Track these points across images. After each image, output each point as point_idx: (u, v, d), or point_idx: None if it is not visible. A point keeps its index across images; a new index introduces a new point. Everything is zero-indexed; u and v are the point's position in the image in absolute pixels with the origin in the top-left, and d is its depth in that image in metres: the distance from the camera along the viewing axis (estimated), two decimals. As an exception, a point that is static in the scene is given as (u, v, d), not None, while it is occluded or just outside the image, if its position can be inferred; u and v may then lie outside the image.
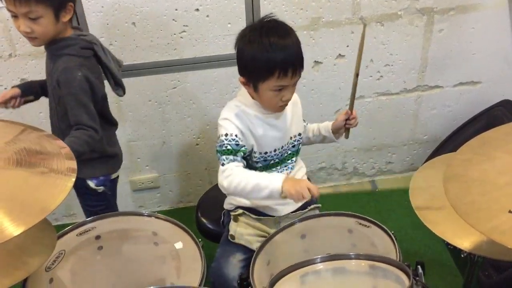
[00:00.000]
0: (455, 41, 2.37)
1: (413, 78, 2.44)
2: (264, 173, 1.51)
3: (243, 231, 1.62)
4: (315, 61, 2.31)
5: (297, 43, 1.45)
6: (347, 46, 2.30)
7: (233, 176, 1.44)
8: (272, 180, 1.41)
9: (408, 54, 2.37)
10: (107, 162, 1.82)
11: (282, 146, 1.60)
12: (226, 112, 1.53)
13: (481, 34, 2.36)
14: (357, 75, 1.53)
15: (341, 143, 2.55)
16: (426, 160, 2.43)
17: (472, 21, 2.33)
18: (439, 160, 1.60)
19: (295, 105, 1.63)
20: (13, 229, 0.88)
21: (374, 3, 2.21)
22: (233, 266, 1.57)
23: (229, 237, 1.62)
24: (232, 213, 1.66)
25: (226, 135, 1.49)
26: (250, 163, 1.58)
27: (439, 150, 2.53)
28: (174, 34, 2.14)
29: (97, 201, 1.86)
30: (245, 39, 1.45)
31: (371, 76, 2.39)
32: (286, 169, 1.64)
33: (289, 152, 1.64)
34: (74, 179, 0.99)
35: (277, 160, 1.61)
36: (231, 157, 1.47)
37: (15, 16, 1.53)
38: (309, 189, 1.37)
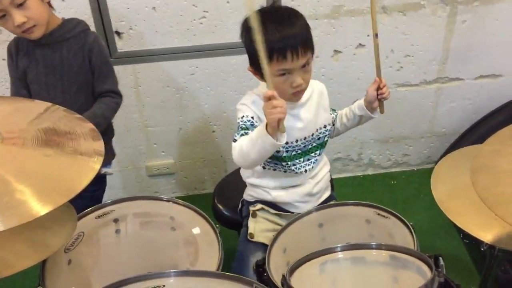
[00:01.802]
0: (478, 33, 2.33)
1: (434, 69, 2.41)
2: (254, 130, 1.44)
3: (261, 226, 1.60)
4: (334, 50, 2.29)
5: (300, 25, 1.41)
6: (368, 35, 2.27)
7: (237, 146, 1.42)
8: (258, 129, 1.37)
9: (429, 45, 2.33)
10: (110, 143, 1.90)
11: (305, 137, 1.56)
12: (244, 99, 1.53)
13: (505, 26, 2.32)
14: (376, 35, 1.48)
15: (358, 133, 2.54)
16: (445, 153, 2.41)
17: (496, 13, 2.28)
18: (461, 152, 1.58)
19: (320, 95, 1.59)
20: (40, 209, 0.88)
21: (396, -8, 2.18)
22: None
23: (248, 237, 1.60)
24: (251, 208, 1.64)
25: (242, 117, 1.48)
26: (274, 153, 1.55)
27: (458, 143, 2.50)
28: (194, 20, 2.13)
29: (100, 184, 1.91)
30: (245, 26, 1.43)
31: (391, 67, 2.36)
32: (309, 163, 1.60)
33: (314, 144, 1.60)
34: (101, 161, 0.99)
35: (299, 152, 1.57)
36: (242, 132, 1.45)
37: (2, 16, 1.53)
38: (274, 106, 1.28)
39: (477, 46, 2.36)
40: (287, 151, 1.55)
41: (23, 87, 1.71)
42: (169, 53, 2.18)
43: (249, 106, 1.49)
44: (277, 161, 1.56)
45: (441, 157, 2.09)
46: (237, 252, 1.62)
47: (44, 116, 1.11)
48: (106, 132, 1.73)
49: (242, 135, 1.45)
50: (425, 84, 2.46)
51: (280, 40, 1.36)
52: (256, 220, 1.62)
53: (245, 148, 1.40)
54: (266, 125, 1.31)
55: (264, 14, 1.39)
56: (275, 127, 1.30)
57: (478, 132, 2.45)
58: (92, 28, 1.88)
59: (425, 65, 2.39)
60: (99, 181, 1.90)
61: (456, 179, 1.40)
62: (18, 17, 1.52)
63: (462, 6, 2.25)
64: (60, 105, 1.66)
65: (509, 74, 2.46)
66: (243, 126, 1.47)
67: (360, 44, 2.29)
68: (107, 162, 1.86)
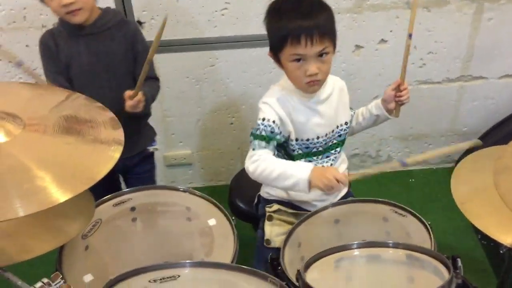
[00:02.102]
0: (504, 31, 2.28)
1: (457, 67, 2.37)
2: (291, 162, 1.49)
3: (278, 230, 1.59)
4: (356, 45, 2.26)
5: (320, 14, 1.37)
6: (391, 31, 2.24)
7: (260, 161, 1.43)
8: (300, 169, 1.39)
9: (453, 42, 2.29)
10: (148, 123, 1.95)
11: (326, 134, 1.54)
12: (267, 96, 1.50)
13: (532, 25, 2.27)
14: (410, 35, 1.45)
15: (377, 130, 2.51)
16: (465, 153, 2.37)
17: (524, 11, 2.23)
18: (483, 153, 1.55)
19: (341, 91, 1.58)
20: (59, 196, 0.89)
21: (422, -12, 2.15)
22: None
23: (265, 243, 1.59)
24: (267, 209, 1.62)
25: (264, 119, 1.46)
26: (287, 151, 1.55)
27: (478, 143, 2.46)
28: (216, 11, 2.12)
29: (152, 163, 2.00)
30: (268, 10, 1.44)
31: (413, 63, 2.33)
32: (328, 160, 1.59)
33: (334, 141, 1.59)
34: (121, 150, 1.00)
35: (320, 149, 1.56)
36: (263, 143, 1.45)
37: None
38: (337, 180, 1.35)
39: (502, 44, 2.31)
40: (307, 148, 1.54)
41: (64, 80, 1.70)
42: (190, 43, 2.18)
43: (272, 106, 1.47)
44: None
45: (461, 156, 2.06)
46: (254, 260, 1.62)
47: (65, 104, 1.12)
48: (147, 113, 1.78)
49: (262, 147, 1.44)
50: (448, 82, 2.42)
51: (295, 24, 1.35)
52: (272, 223, 1.60)
53: (268, 172, 1.42)
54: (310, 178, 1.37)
55: (282, 4, 1.40)
56: (319, 189, 1.38)
57: (500, 132, 2.41)
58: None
59: (448, 62, 2.35)
60: (150, 160, 1.98)
61: (477, 180, 1.38)
62: None
63: (489, 4, 2.20)
64: (105, 96, 1.63)
65: (534, 74, 2.41)
66: (264, 135, 1.45)
67: (382, 39, 2.26)
68: (151, 140, 1.93)
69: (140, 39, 1.74)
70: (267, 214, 1.61)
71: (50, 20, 2.06)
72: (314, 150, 1.56)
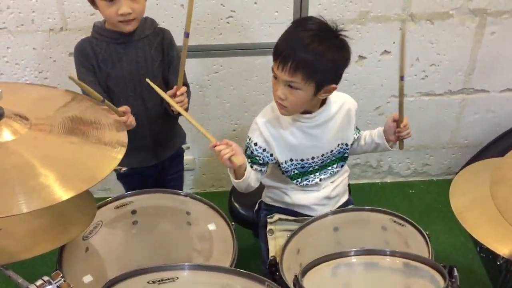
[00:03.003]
0: (506, 45, 2.29)
1: (459, 80, 2.38)
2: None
3: (281, 242, 1.56)
4: (359, 55, 2.28)
5: (315, 52, 1.33)
6: (394, 42, 2.26)
7: None
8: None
9: (456, 55, 2.31)
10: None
11: (323, 154, 1.56)
12: (259, 116, 1.54)
13: (534, 40, 2.29)
14: (402, 78, 1.44)
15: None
16: (465, 165, 2.38)
17: (526, 26, 2.25)
18: (482, 164, 1.57)
19: (348, 112, 1.55)
20: (62, 194, 0.91)
21: (425, 0, 2.16)
22: None
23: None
24: (268, 220, 1.63)
25: (250, 138, 1.54)
26: (283, 173, 1.57)
27: (479, 156, 2.47)
28: (221, 19, 2.15)
29: (182, 163, 2.06)
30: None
31: (415, 75, 2.35)
32: (325, 173, 1.59)
33: (333, 158, 1.59)
34: (124, 151, 1.01)
35: (316, 167, 1.58)
36: (248, 160, 1.53)
37: (111, 0, 1.55)
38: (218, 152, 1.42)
39: (504, 58, 2.33)
40: (302, 167, 1.56)
41: (102, 91, 1.67)
42: (194, 50, 2.20)
43: (260, 128, 1.51)
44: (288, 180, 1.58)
45: (462, 168, 2.07)
46: (262, 271, 1.61)
47: (71, 105, 1.14)
48: (177, 115, 1.79)
49: (248, 162, 1.52)
50: (450, 94, 2.43)
51: (286, 42, 1.37)
52: (274, 237, 1.61)
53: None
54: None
55: (298, 24, 1.41)
56: (231, 167, 1.44)
57: (501, 145, 2.42)
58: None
59: (450, 75, 2.37)
60: (181, 160, 2.04)
61: (476, 191, 1.39)
62: (126, 7, 1.55)
63: (492, 18, 2.22)
64: (144, 102, 1.72)
65: (536, 88, 2.43)
66: (247, 152, 1.55)
67: (385, 50, 2.28)
68: (184, 137, 1.98)
69: (175, 46, 1.76)
70: (268, 227, 1.63)
71: (58, 24, 2.10)
72: (311, 169, 1.57)
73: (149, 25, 1.72)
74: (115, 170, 1.84)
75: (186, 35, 1.52)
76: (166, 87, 1.75)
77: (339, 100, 1.54)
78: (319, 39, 1.34)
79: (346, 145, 1.58)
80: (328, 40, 1.36)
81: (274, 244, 1.60)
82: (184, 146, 2.02)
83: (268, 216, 1.64)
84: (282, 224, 1.62)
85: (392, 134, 1.55)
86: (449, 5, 2.18)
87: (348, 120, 1.56)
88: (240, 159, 1.43)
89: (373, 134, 1.62)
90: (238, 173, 1.48)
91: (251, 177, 1.51)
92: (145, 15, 1.70)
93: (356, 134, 1.62)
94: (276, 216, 1.63)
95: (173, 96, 1.60)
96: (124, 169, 1.86)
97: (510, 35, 2.27)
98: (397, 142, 1.58)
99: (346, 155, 1.61)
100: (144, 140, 1.79)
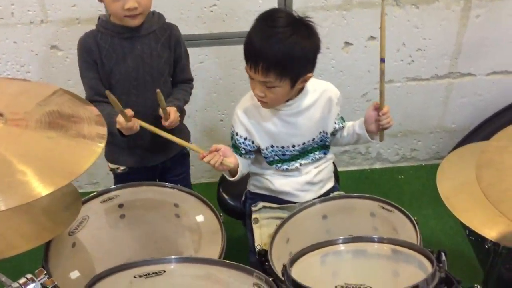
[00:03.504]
0: (492, 28, 2.29)
1: (445, 64, 2.38)
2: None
3: (267, 231, 1.58)
4: (345, 42, 2.27)
5: (290, 46, 1.33)
6: (379, 28, 2.24)
7: None
8: None
9: (441, 39, 2.30)
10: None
11: (304, 143, 1.56)
12: (239, 106, 1.55)
13: (520, 22, 2.28)
14: (382, 60, 1.42)
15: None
16: (453, 149, 2.39)
17: (511, 8, 2.24)
18: (468, 148, 1.57)
19: (329, 101, 1.54)
20: (42, 189, 0.89)
21: (410, -15, 2.15)
22: None
23: (257, 249, 1.54)
24: (252, 208, 1.63)
25: (236, 134, 1.55)
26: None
27: (467, 140, 2.48)
28: (205, 7, 2.12)
29: (188, 163, 1.98)
30: (256, 19, 1.44)
31: (402, 60, 2.34)
32: (307, 158, 1.59)
33: (315, 146, 1.59)
34: (103, 145, 1.00)
35: (297, 153, 1.57)
36: (235, 150, 1.56)
37: None
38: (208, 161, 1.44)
39: (490, 41, 2.33)
40: (283, 155, 1.56)
41: (104, 87, 1.60)
42: (178, 40, 2.18)
43: (240, 118, 1.53)
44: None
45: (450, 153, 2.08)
46: (249, 259, 1.63)
47: (51, 99, 1.11)
48: (182, 114, 1.74)
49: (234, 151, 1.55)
50: (436, 78, 2.43)
51: (254, 47, 1.36)
52: (259, 225, 1.61)
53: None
54: None
55: (262, 20, 1.40)
56: (223, 170, 1.49)
57: (488, 128, 2.43)
58: (102, 12, 1.87)
59: (436, 59, 2.36)
60: (187, 160, 1.97)
61: (462, 175, 1.39)
62: (132, 1, 1.50)
63: (477, 1, 2.21)
64: (148, 99, 1.66)
65: (522, 70, 2.43)
66: (232, 142, 1.57)
67: (371, 36, 2.27)
68: (188, 136, 1.90)
69: (182, 42, 1.72)
70: (253, 216, 1.62)
71: (38, 16, 2.06)
72: (291, 156, 1.57)
73: (156, 19, 1.66)
74: (112, 170, 1.82)
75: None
76: (173, 83, 1.75)
77: (320, 88, 1.53)
78: (287, 34, 1.34)
79: (326, 133, 1.58)
80: (295, 32, 1.35)
81: (259, 232, 1.60)
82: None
83: (252, 205, 1.64)
84: (266, 212, 1.62)
85: (372, 123, 1.52)
86: (434, -12, 2.17)
87: (329, 109, 1.55)
88: (231, 160, 1.47)
89: (355, 125, 1.60)
90: (232, 172, 1.52)
91: (243, 166, 1.54)
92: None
93: (340, 124, 1.60)
94: (260, 204, 1.62)
95: (166, 119, 1.61)
96: (122, 168, 1.80)
97: (495, 17, 2.27)
98: (378, 134, 1.55)
99: (327, 143, 1.60)
100: (144, 140, 1.72)
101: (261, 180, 1.63)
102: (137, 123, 1.54)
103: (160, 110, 1.59)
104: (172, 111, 1.62)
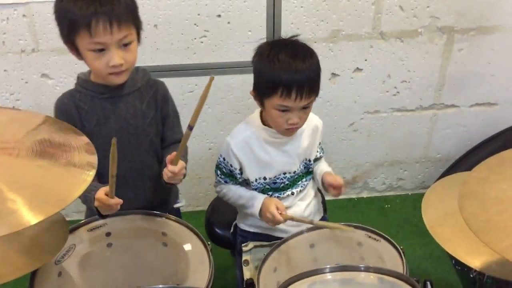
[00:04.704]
0: (474, 62, 2.37)
1: (430, 96, 2.44)
2: (248, 193, 1.57)
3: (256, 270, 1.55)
4: (332, 73, 2.32)
5: (313, 67, 1.41)
6: (365, 60, 2.30)
7: (225, 191, 1.61)
8: (253, 205, 1.53)
9: (426, 72, 2.37)
10: None
11: (295, 171, 1.59)
12: (232, 135, 1.55)
13: (501, 56, 2.36)
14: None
15: (353, 156, 2.56)
16: (438, 179, 2.42)
17: (493, 43, 2.33)
18: (453, 178, 1.60)
19: (314, 130, 1.60)
20: (30, 218, 0.89)
21: (395, 19, 2.22)
22: None
23: None
24: (243, 248, 1.60)
25: (224, 159, 1.56)
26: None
27: (451, 170, 2.52)
28: (195, 38, 2.16)
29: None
30: (258, 52, 1.46)
31: (387, 91, 2.39)
32: (296, 188, 1.61)
33: (302, 173, 1.62)
34: (93, 174, 1.00)
35: (287, 183, 1.60)
36: (224, 177, 1.59)
37: (100, 50, 1.36)
38: (277, 207, 1.46)
39: (473, 74, 2.40)
40: (274, 183, 1.58)
41: None
42: (168, 70, 2.21)
43: (233, 150, 1.52)
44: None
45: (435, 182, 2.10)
46: None
47: (42, 128, 1.12)
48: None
49: (226, 182, 1.59)
50: (421, 109, 2.48)
51: (289, 75, 1.37)
52: (249, 268, 1.59)
53: (232, 201, 1.60)
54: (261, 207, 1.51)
55: (280, 45, 1.43)
56: (268, 222, 1.51)
57: (472, 159, 2.47)
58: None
59: (421, 91, 2.42)
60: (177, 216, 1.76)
61: (447, 205, 1.41)
62: (118, 57, 1.37)
63: (459, 35, 2.29)
64: (134, 162, 1.54)
65: (504, 102, 2.50)
66: (224, 171, 1.58)
67: (357, 68, 2.32)
68: (177, 196, 1.80)
69: (170, 100, 1.60)
70: (243, 258, 1.60)
71: (29, 45, 2.09)
72: (282, 185, 1.59)
73: (140, 76, 1.54)
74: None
75: (190, 128, 1.34)
76: (162, 143, 1.63)
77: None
78: (304, 53, 1.41)
79: (309, 160, 1.62)
80: (306, 52, 1.43)
81: (249, 274, 1.58)
82: (176, 206, 1.78)
83: (243, 244, 1.62)
84: (257, 253, 1.60)
85: (328, 186, 1.59)
86: (417, 23, 2.24)
87: (314, 137, 1.60)
88: None
89: (320, 169, 1.65)
90: None
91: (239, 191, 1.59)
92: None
93: (321, 153, 1.67)
94: (251, 244, 1.60)
95: (170, 162, 1.44)
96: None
97: (478, 51, 2.34)
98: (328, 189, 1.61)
99: (310, 169, 1.64)
100: (130, 202, 1.51)
101: (251, 218, 1.63)
102: (118, 207, 1.37)
103: (175, 152, 1.42)
104: (180, 165, 1.46)
